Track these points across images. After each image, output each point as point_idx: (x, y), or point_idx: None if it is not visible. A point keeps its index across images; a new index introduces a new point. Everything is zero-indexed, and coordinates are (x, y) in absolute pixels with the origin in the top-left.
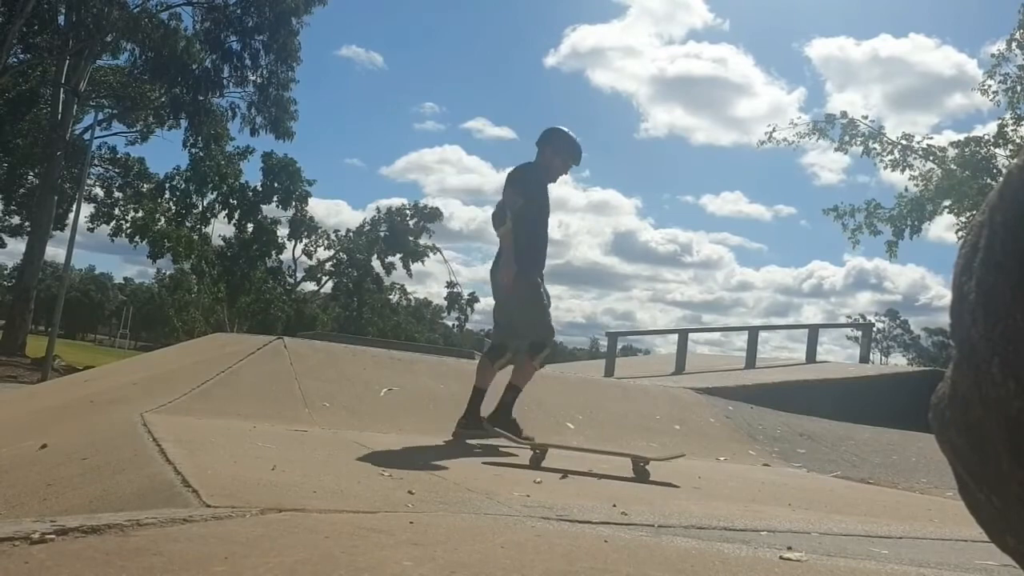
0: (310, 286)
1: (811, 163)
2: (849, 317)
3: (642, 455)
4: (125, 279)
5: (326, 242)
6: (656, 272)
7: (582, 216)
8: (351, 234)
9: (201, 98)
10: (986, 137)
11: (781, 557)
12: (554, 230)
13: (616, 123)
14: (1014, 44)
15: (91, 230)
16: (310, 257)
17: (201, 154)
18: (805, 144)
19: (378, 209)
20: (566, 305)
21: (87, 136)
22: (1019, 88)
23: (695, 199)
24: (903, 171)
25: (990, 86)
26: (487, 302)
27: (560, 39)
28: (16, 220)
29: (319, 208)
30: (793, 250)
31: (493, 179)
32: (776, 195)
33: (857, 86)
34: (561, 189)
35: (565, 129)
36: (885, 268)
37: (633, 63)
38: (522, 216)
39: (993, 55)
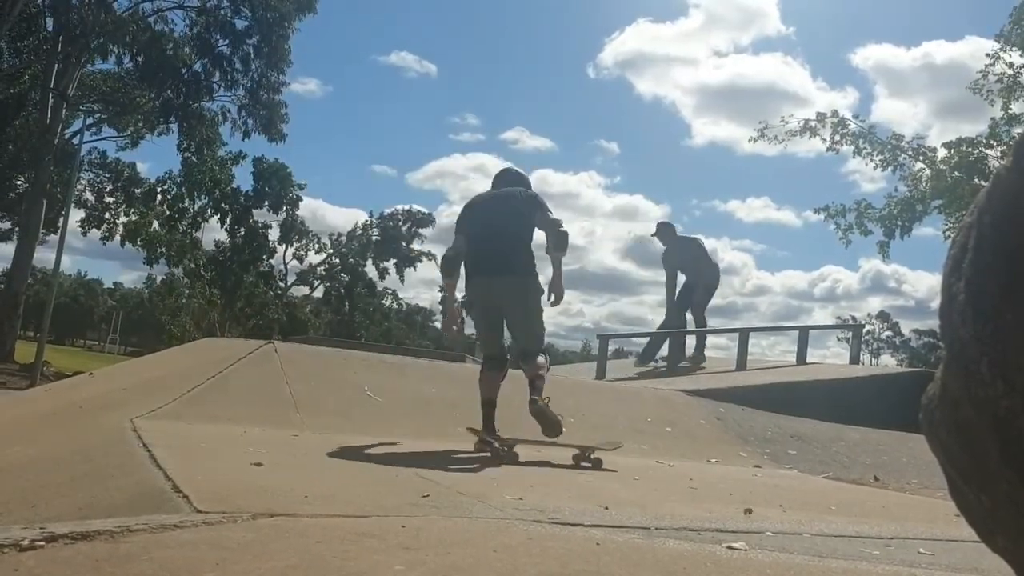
0: (302, 291)
1: (852, 171)
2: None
3: (589, 445)
4: (115, 284)
5: (317, 246)
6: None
7: (605, 222)
8: (343, 238)
9: (191, 103)
10: (978, 138)
11: (773, 559)
12: (576, 237)
13: (657, 131)
14: (1002, 40)
15: (84, 234)
16: (301, 262)
17: (194, 159)
18: (798, 143)
19: (370, 213)
20: (575, 308)
21: (76, 141)
22: (1014, 88)
23: (726, 206)
24: (893, 171)
25: (983, 85)
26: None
27: (603, 44)
28: (5, 225)
29: (337, 216)
30: (815, 256)
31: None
32: (810, 203)
33: (907, 94)
34: (586, 194)
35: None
36: (904, 273)
37: (682, 71)
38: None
39: (988, 54)
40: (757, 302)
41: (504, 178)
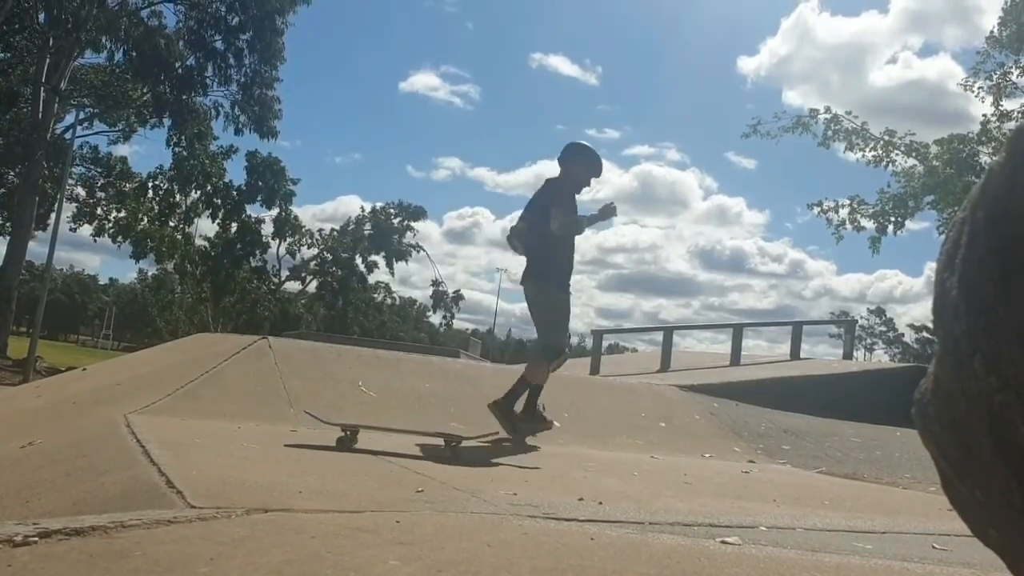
0: (295, 286)
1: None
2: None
3: (456, 435)
4: (110, 279)
5: (310, 241)
6: (736, 282)
7: (692, 222)
8: (335, 233)
9: (184, 97)
10: (970, 135)
11: (766, 553)
12: (655, 239)
13: (791, 143)
14: (992, 41)
15: (73, 230)
16: (294, 256)
17: (185, 153)
18: (788, 139)
19: (362, 208)
20: (619, 310)
21: (68, 135)
22: (1003, 85)
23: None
24: (885, 167)
25: (974, 83)
26: (471, 299)
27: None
28: None
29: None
30: (891, 259)
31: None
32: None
33: None
34: (682, 193)
35: (588, 144)
36: None
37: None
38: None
39: (979, 52)
40: (802, 306)
41: None
